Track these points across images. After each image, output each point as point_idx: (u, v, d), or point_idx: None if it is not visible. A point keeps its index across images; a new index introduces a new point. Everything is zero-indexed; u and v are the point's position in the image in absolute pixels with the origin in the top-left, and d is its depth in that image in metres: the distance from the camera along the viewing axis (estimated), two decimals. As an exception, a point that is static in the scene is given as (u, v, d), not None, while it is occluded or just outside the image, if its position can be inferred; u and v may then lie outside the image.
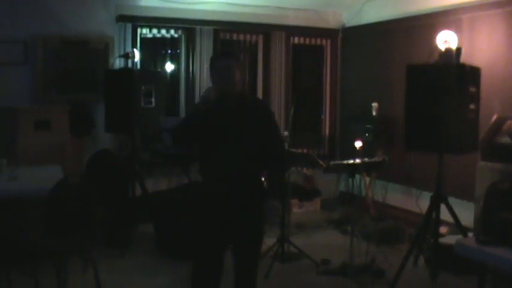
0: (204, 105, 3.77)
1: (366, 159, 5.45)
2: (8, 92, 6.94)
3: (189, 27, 7.96)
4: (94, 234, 4.89)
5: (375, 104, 7.55)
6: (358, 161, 5.37)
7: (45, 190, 4.73)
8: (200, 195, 4.00)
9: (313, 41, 8.98)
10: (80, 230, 4.77)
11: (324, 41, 9.04)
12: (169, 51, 8.22)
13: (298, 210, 8.19)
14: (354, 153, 5.97)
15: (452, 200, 5.47)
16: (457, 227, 5.30)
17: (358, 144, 5.50)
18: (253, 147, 3.83)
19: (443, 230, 5.97)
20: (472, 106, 5.00)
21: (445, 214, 5.30)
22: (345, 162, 5.43)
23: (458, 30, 6.14)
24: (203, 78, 7.95)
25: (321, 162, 5.63)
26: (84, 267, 5.35)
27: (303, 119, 8.91)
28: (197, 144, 3.99)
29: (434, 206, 5.20)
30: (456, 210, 5.33)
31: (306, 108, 9.01)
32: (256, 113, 3.93)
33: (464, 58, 5.29)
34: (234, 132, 3.81)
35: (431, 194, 5.28)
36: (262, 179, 4.06)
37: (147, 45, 8.00)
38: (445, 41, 5.26)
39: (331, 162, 5.63)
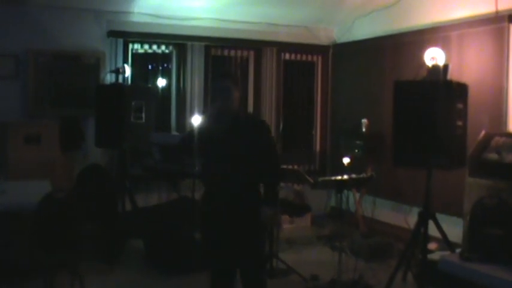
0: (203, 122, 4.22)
1: (354, 175, 5.46)
2: (-2, 106, 6.96)
3: (181, 43, 7.99)
4: (81, 249, 4.88)
5: (364, 120, 7.56)
6: (345, 177, 5.38)
7: (33, 204, 4.72)
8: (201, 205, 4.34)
9: (304, 57, 9.02)
10: (67, 245, 4.76)
11: (315, 57, 9.08)
12: (160, 67, 8.23)
13: (288, 225, 8.17)
14: (343, 169, 5.98)
15: (441, 216, 5.50)
16: (445, 243, 5.30)
17: (346, 160, 5.50)
18: (247, 161, 4.12)
19: (432, 246, 5.96)
20: (459, 122, 5.03)
21: (435, 230, 5.31)
22: (333, 178, 5.45)
23: (447, 47, 6.18)
24: (194, 94, 7.98)
25: (309, 178, 5.63)
26: (72, 282, 5.33)
27: (294, 134, 8.93)
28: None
29: (422, 222, 5.21)
30: (445, 226, 5.35)
31: (297, 124, 9.03)
32: (251, 128, 4.23)
33: (453, 75, 5.33)
34: (228, 147, 4.13)
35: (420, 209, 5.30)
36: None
37: (139, 60, 8.02)
38: (433, 58, 5.28)
39: (319, 178, 5.63)
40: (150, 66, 8.25)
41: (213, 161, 4.21)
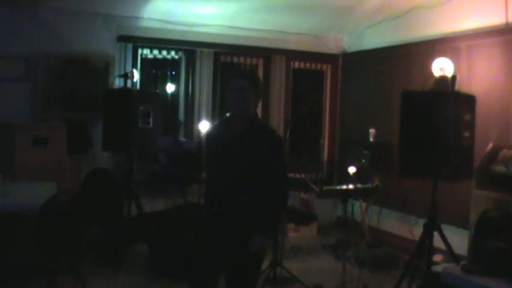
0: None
1: (359, 185, 5.44)
2: (7, 108, 6.99)
3: (190, 49, 8.00)
4: (85, 252, 4.88)
5: (372, 130, 7.54)
6: (350, 186, 5.36)
7: (37, 206, 4.72)
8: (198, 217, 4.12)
9: (313, 65, 9.01)
10: (71, 248, 4.76)
11: (324, 66, 9.06)
12: (169, 73, 8.24)
13: (294, 234, 8.13)
14: (349, 178, 5.96)
15: (448, 228, 5.46)
16: (450, 255, 5.26)
17: (351, 169, 5.48)
18: (250, 175, 3.78)
19: (437, 258, 5.92)
20: (466, 134, 4.98)
21: (441, 242, 5.27)
22: (338, 187, 5.43)
23: (456, 57, 6.16)
24: (202, 100, 7.98)
25: (314, 187, 5.60)
26: (75, 285, 5.33)
27: (302, 143, 8.92)
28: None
29: (427, 234, 5.17)
30: (452, 237, 5.30)
31: (305, 133, 9.02)
32: (261, 142, 3.85)
33: (462, 85, 5.30)
34: (233, 157, 3.83)
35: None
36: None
37: (148, 65, 8.04)
38: (441, 68, 5.25)
39: (324, 187, 5.61)
40: (158, 72, 8.25)
41: (216, 171, 3.95)
